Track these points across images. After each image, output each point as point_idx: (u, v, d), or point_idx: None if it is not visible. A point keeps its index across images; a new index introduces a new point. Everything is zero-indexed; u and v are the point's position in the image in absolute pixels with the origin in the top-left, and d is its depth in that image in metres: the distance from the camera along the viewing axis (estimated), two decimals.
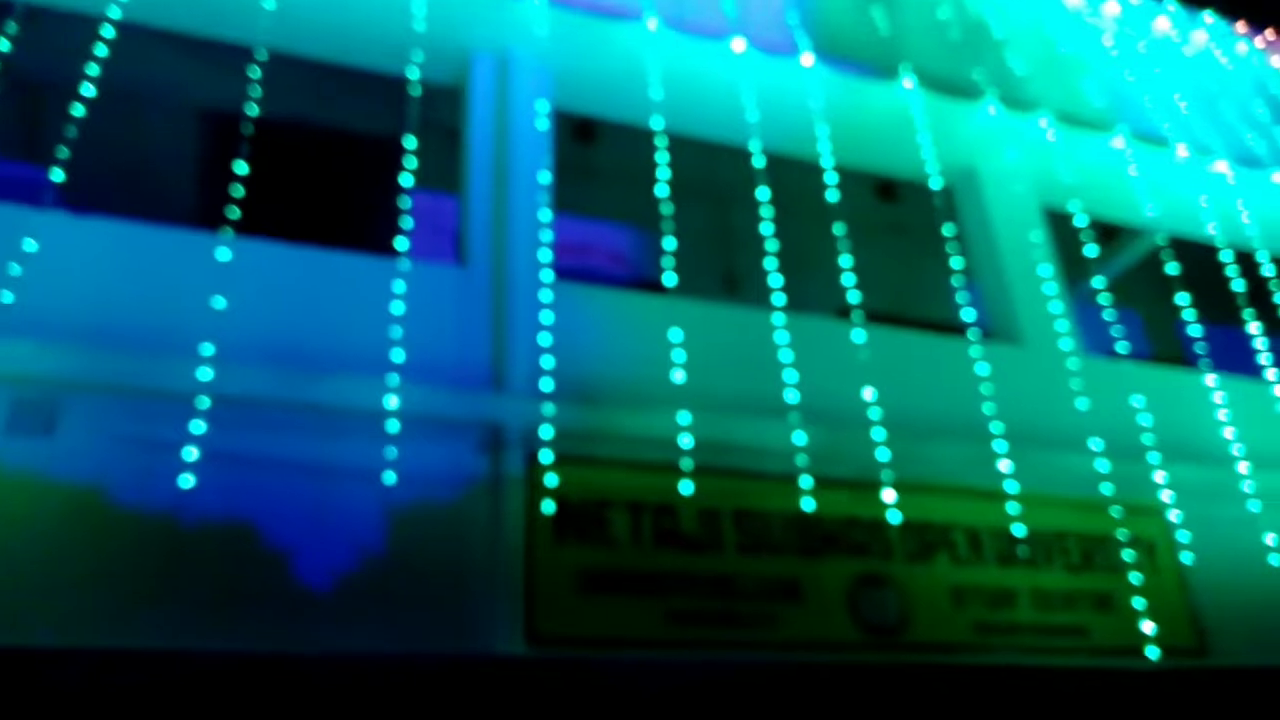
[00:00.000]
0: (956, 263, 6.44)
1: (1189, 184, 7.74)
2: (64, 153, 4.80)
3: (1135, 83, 8.25)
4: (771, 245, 5.82)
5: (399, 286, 5.03)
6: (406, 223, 5.19)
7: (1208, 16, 9.41)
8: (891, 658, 5.17)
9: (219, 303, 4.62)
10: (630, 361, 5.34)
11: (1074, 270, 7.26)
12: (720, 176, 7.43)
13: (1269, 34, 9.73)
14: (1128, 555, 5.86)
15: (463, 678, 4.39)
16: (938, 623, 5.34)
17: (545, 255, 5.48)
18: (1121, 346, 6.53)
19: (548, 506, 4.81)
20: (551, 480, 4.83)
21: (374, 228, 5.82)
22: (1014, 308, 6.70)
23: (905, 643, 5.23)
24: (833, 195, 6.22)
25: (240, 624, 4.23)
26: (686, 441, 5.04)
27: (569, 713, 4.49)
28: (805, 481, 5.20)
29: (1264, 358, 7.04)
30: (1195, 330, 6.82)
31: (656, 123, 6.04)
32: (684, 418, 5.08)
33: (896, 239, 8.57)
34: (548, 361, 5.09)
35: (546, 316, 5.24)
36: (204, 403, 4.36)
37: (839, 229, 6.00)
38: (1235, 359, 7.14)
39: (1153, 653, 5.61)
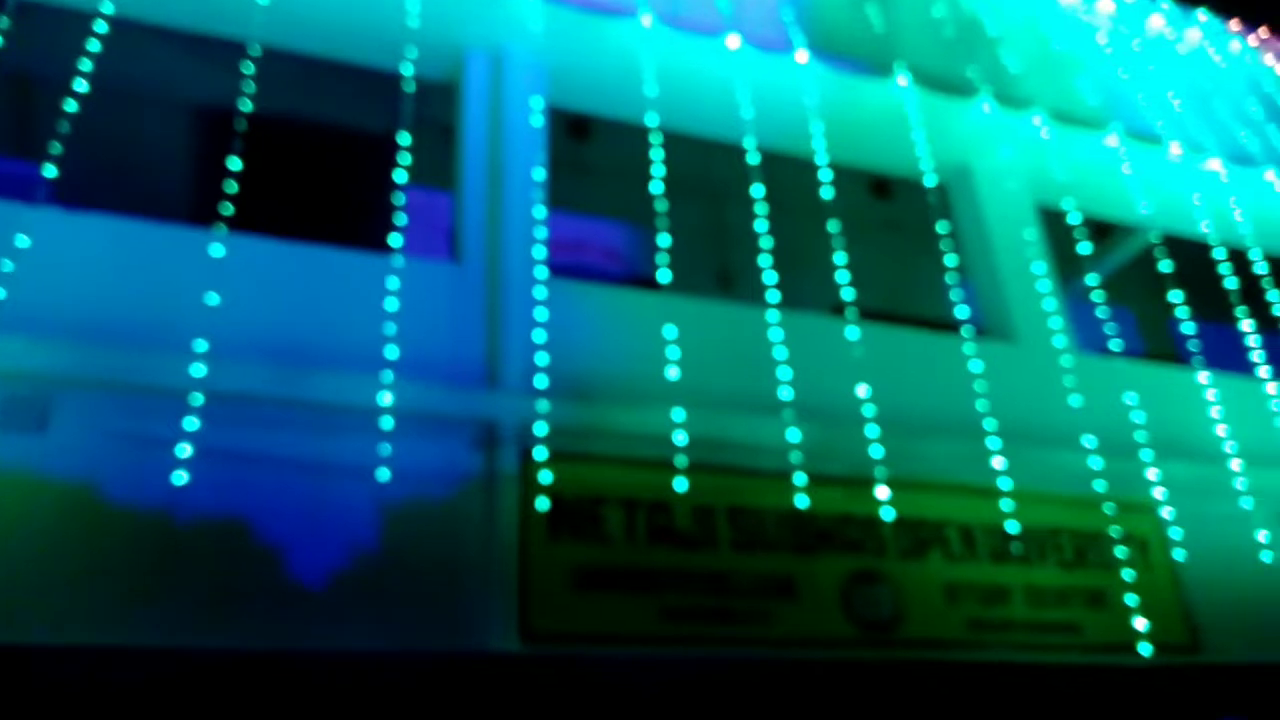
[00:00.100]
0: (950, 260, 6.45)
1: (1182, 182, 7.76)
2: (57, 148, 4.79)
3: (1129, 80, 8.26)
4: (766, 242, 5.83)
5: (393, 283, 5.03)
6: (401, 219, 5.19)
7: (1201, 15, 9.44)
8: (885, 654, 5.18)
9: (213, 299, 4.61)
10: (625, 358, 5.34)
11: (1068, 268, 7.27)
12: (715, 173, 7.43)
13: (1262, 32, 9.76)
14: (1120, 552, 5.88)
15: (457, 674, 4.39)
16: (931, 619, 5.35)
17: (540, 252, 5.48)
18: (1115, 344, 6.55)
19: (542, 503, 4.81)
20: (546, 477, 4.83)
21: (368, 224, 5.81)
22: (1008, 305, 6.71)
23: (899, 639, 5.24)
24: (827, 192, 6.23)
25: (234, 621, 4.23)
26: (681, 438, 5.05)
27: (564, 709, 4.50)
28: (799, 478, 5.21)
29: (1256, 355, 7.06)
30: (1188, 328, 6.84)
31: (651, 119, 6.03)
32: (678, 415, 5.08)
33: (891, 236, 8.58)
34: (542, 358, 5.09)
35: (541, 313, 5.24)
36: (198, 399, 4.35)
37: (833, 226, 6.01)
38: (1228, 357, 7.16)
39: (1145, 649, 5.63)
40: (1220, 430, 6.57)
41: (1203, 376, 6.77)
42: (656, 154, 5.91)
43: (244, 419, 4.50)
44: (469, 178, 5.69)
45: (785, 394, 5.43)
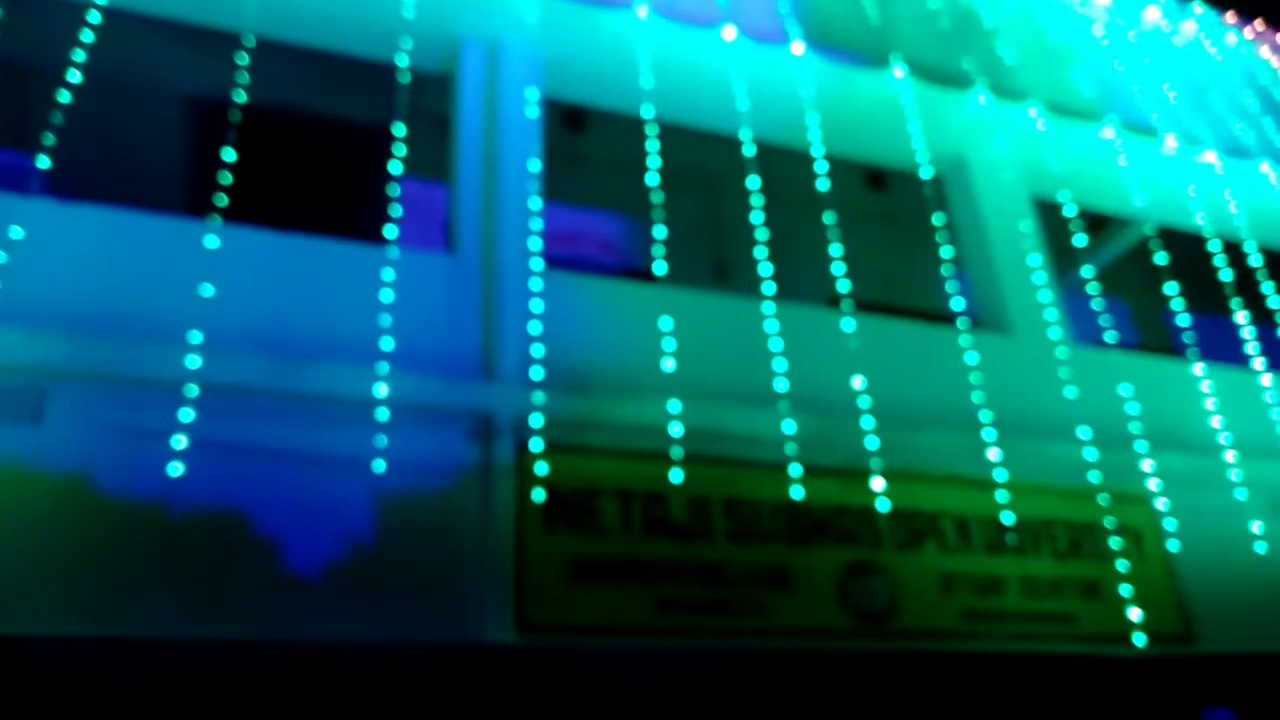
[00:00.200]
0: (946, 252, 6.46)
1: (1178, 174, 7.76)
2: (50, 139, 4.78)
3: (1125, 73, 8.26)
4: (761, 234, 5.83)
5: (388, 275, 5.02)
6: (396, 211, 5.17)
7: (1197, 7, 9.44)
8: (880, 645, 5.19)
9: (207, 290, 4.60)
10: (620, 350, 5.34)
11: (1063, 260, 7.28)
12: (710, 165, 7.42)
13: (1258, 24, 9.76)
14: (1115, 543, 5.89)
15: (453, 666, 4.40)
16: (926, 610, 5.36)
17: (535, 244, 5.47)
18: (1110, 336, 6.57)
19: (538, 495, 4.82)
20: (541, 469, 4.84)
21: (363, 216, 5.80)
22: (1003, 297, 6.72)
23: (894, 630, 5.25)
24: (823, 184, 6.22)
25: (230, 612, 4.23)
26: (676, 430, 5.05)
27: (559, 701, 4.51)
28: (795, 470, 5.22)
29: (1251, 347, 7.07)
30: (1183, 320, 6.84)
31: (647, 111, 6.02)
32: (674, 406, 5.09)
33: (886, 228, 8.57)
34: (538, 350, 5.09)
35: (536, 305, 5.23)
36: (193, 391, 4.34)
37: (829, 218, 6.01)
38: (1223, 348, 7.17)
39: (1139, 639, 5.65)
40: (1215, 422, 6.58)
41: (1198, 368, 6.78)
42: (652, 146, 5.90)
43: (239, 410, 4.49)
44: (464, 169, 5.68)
45: (781, 385, 5.43)
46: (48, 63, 5.25)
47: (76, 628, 3.99)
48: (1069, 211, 7.00)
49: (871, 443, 5.44)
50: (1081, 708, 5.46)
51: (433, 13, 5.94)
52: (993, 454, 5.71)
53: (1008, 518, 5.64)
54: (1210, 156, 7.84)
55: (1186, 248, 7.48)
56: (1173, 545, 6.03)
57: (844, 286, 5.89)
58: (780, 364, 5.50)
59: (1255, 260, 7.49)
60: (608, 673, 4.63)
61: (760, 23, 6.73)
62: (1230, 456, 6.38)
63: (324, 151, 7.31)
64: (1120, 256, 8.46)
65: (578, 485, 4.96)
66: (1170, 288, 6.92)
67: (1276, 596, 6.16)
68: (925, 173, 6.74)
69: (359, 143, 6.52)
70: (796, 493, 5.20)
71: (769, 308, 5.67)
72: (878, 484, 5.36)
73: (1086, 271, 6.79)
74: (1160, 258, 7.06)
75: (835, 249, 5.97)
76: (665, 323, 5.35)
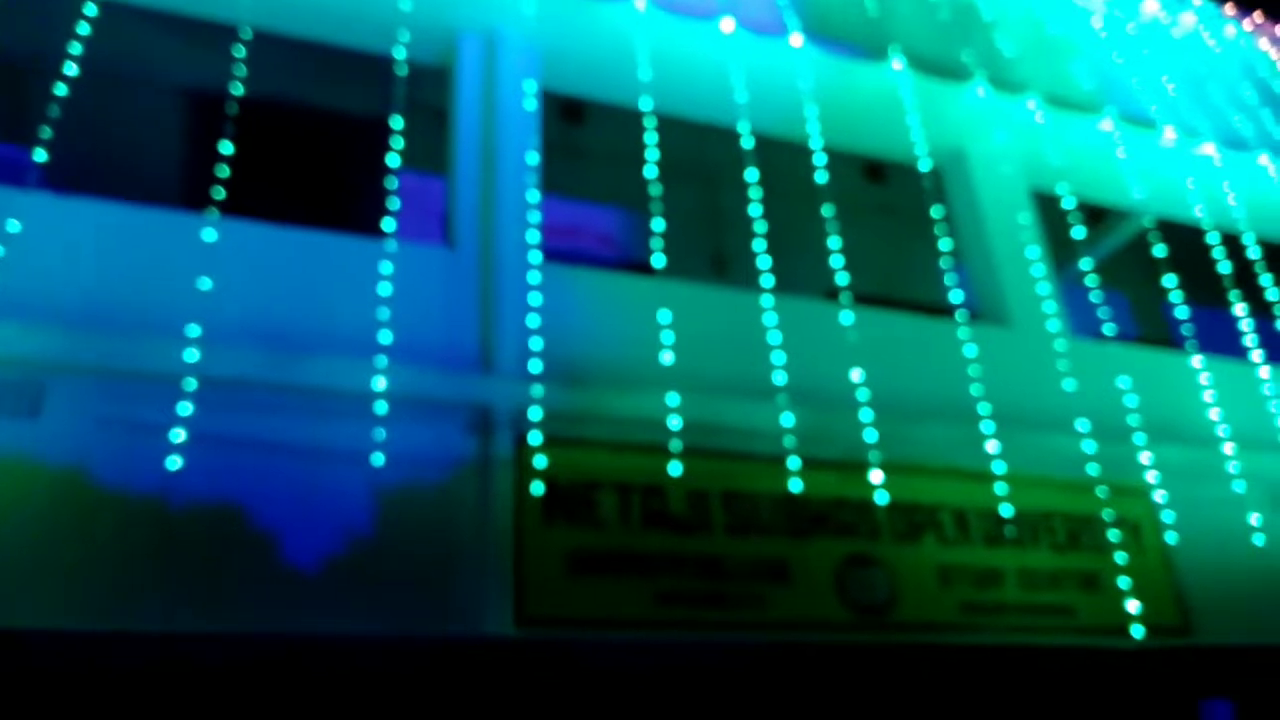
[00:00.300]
0: (945, 244, 6.45)
1: (1176, 166, 7.76)
2: (47, 133, 4.76)
3: (1124, 65, 8.26)
4: (760, 226, 5.82)
5: (386, 268, 5.01)
6: (394, 204, 5.16)
7: None
8: (879, 637, 5.19)
9: (205, 284, 4.59)
10: (619, 343, 5.34)
11: (1062, 252, 7.28)
12: (709, 157, 7.41)
13: (1257, 16, 9.75)
14: (1113, 535, 5.90)
15: (452, 659, 4.39)
16: (925, 602, 5.37)
17: (533, 236, 5.46)
18: (1108, 328, 6.57)
19: (536, 488, 4.81)
20: (540, 462, 4.83)
21: (361, 209, 5.79)
22: (1002, 289, 6.71)
23: (893, 622, 5.25)
24: (821, 176, 6.22)
25: (228, 606, 4.22)
26: (675, 423, 5.05)
27: (558, 694, 4.51)
28: (793, 462, 5.22)
29: (1250, 339, 7.08)
30: (1182, 312, 6.85)
31: (645, 103, 6.01)
32: (672, 399, 5.08)
33: (885, 221, 8.56)
34: (536, 343, 5.08)
35: (535, 298, 5.23)
36: (191, 384, 4.34)
37: (827, 210, 6.00)
38: (1221, 341, 7.18)
39: (1137, 631, 5.66)
40: (1213, 414, 6.59)
41: (1196, 361, 6.78)
42: (650, 138, 5.89)
43: (237, 404, 4.49)
44: (462, 162, 5.67)
45: (779, 378, 5.43)
46: (44, 56, 5.22)
47: (75, 621, 3.99)
48: (1068, 204, 6.99)
49: (870, 435, 5.44)
50: (1080, 700, 5.46)
51: (430, 5, 5.92)
52: (991, 446, 5.71)
53: (1006, 510, 5.64)
54: (1209, 149, 7.84)
55: (1185, 240, 7.48)
56: (1171, 537, 6.04)
57: (843, 279, 5.89)
58: (779, 357, 5.50)
59: (1254, 252, 7.49)
60: (607, 665, 4.63)
61: (758, 14, 6.72)
62: (1229, 449, 6.39)
63: (321, 144, 7.29)
64: (1119, 249, 8.45)
65: (576, 478, 4.96)
66: (1169, 280, 6.92)
67: (1274, 588, 6.17)
68: (924, 165, 6.73)
69: (356, 135, 6.51)
70: (795, 485, 5.20)
71: (767, 300, 5.66)
72: (876, 476, 5.36)
73: (1085, 264, 6.79)
74: (1159, 250, 7.07)
75: (834, 241, 5.96)
76: (664, 315, 5.34)
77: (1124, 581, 5.78)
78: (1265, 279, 7.40)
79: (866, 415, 5.47)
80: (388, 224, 5.12)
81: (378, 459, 4.53)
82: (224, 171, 4.93)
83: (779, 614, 5.05)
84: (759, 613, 5.01)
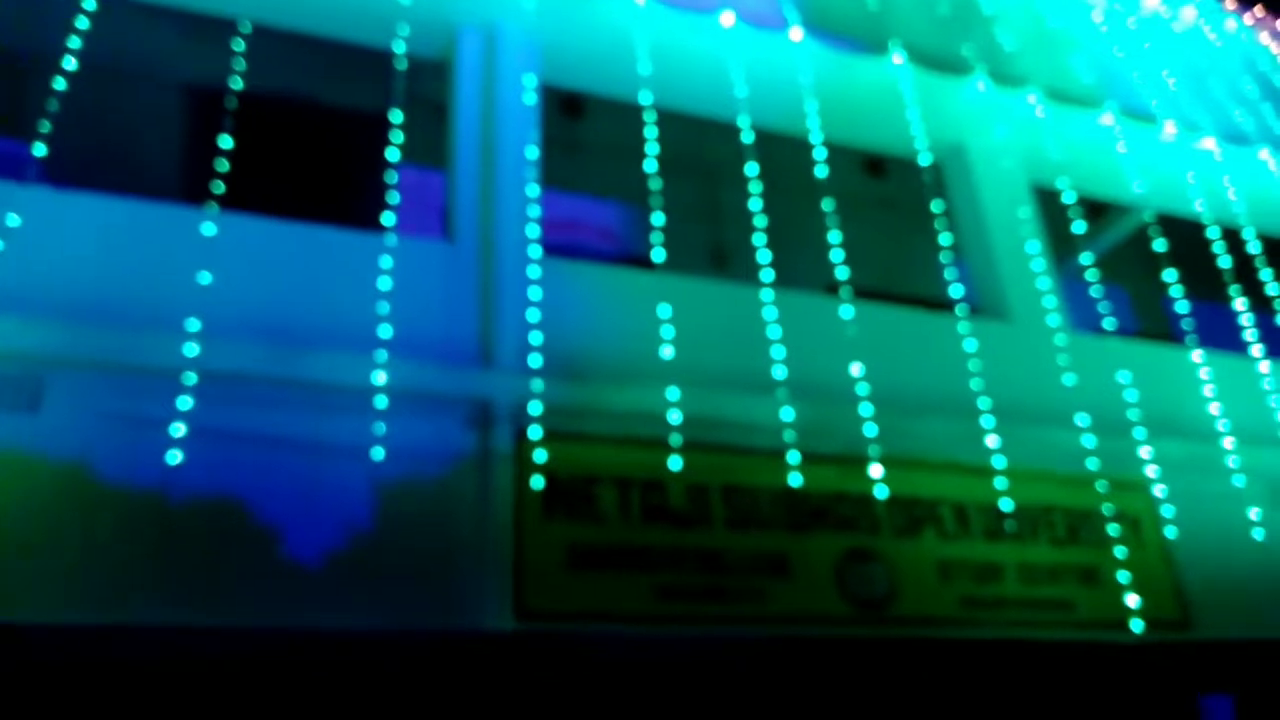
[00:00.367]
0: (945, 239, 6.45)
1: (1177, 161, 7.75)
2: (46, 127, 4.75)
3: (1124, 59, 8.24)
4: (760, 221, 5.82)
5: (386, 262, 5.01)
6: (393, 198, 5.16)
7: None
8: (879, 632, 5.20)
9: (205, 278, 4.59)
10: (619, 337, 5.33)
11: (1062, 247, 7.27)
12: (709, 152, 7.41)
13: (1258, 10, 9.73)
14: (1113, 530, 5.90)
15: (452, 653, 4.40)
16: (925, 597, 5.37)
17: (533, 230, 5.46)
18: (1109, 323, 6.57)
19: (536, 482, 4.81)
20: (540, 456, 4.83)
21: (361, 203, 5.78)
22: (1002, 284, 6.71)
23: (892, 617, 5.26)
24: (821, 171, 6.21)
25: (229, 600, 4.23)
26: (675, 417, 5.05)
27: (558, 688, 4.51)
28: (793, 457, 5.21)
29: (1250, 334, 7.07)
30: (1182, 306, 6.84)
31: (645, 97, 6.00)
32: (672, 393, 5.08)
33: (885, 215, 8.56)
34: (536, 337, 5.08)
35: (534, 292, 5.22)
36: (191, 378, 4.33)
37: (828, 205, 6.00)
38: (1221, 335, 7.17)
39: (1137, 626, 5.66)
40: (1213, 409, 6.58)
41: (1196, 355, 6.78)
42: (650, 132, 5.88)
43: (237, 398, 4.49)
44: (462, 156, 5.67)
45: (779, 373, 5.43)
46: (44, 50, 5.21)
47: (75, 615, 3.99)
48: (1068, 198, 6.99)
49: (870, 430, 5.44)
50: (1079, 694, 5.47)
51: None
52: (991, 441, 5.71)
53: (1006, 504, 5.64)
54: (1209, 143, 7.83)
55: (1185, 234, 7.47)
56: (1171, 532, 6.04)
57: (842, 273, 5.89)
58: (779, 351, 5.50)
59: (1254, 247, 7.48)
60: (606, 660, 4.64)
61: (758, 8, 6.71)
62: (1228, 443, 6.39)
63: (321, 139, 7.28)
64: (1119, 243, 8.44)
65: (576, 472, 4.96)
66: (1169, 274, 6.92)
67: (1274, 583, 6.18)
68: (924, 159, 6.72)
69: (356, 130, 6.50)
70: (795, 480, 5.20)
71: (767, 295, 5.66)
72: (876, 471, 5.36)
73: (1085, 258, 6.80)
74: (1159, 244, 7.06)
75: (834, 236, 5.96)
76: (664, 310, 5.34)
77: (1124, 576, 5.78)
78: (1265, 274, 7.39)
79: (866, 410, 5.47)
80: (387, 218, 5.12)
81: (378, 453, 4.53)
82: (224, 166, 4.92)
83: (779, 608, 5.05)
84: (759, 607, 5.02)
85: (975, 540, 5.63)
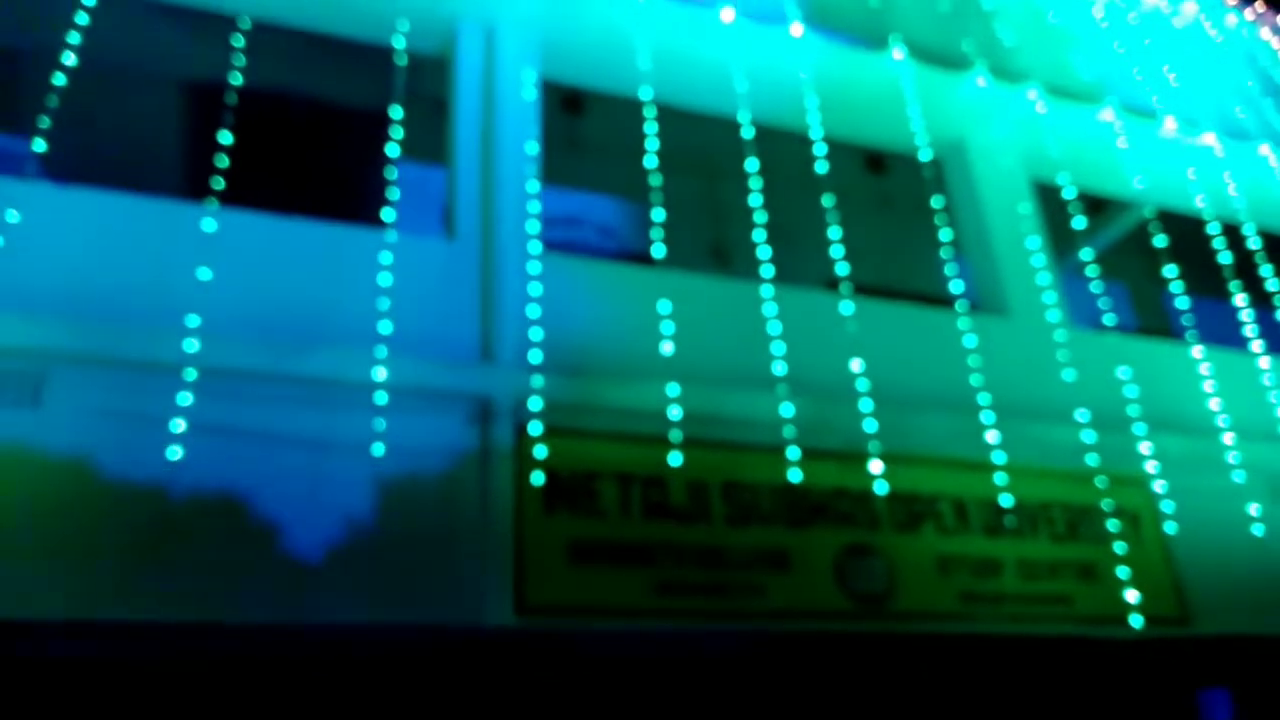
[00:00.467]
0: (945, 235, 6.44)
1: (1177, 157, 7.74)
2: (46, 123, 4.75)
3: (1125, 54, 8.23)
4: (760, 217, 5.81)
5: (386, 258, 5.01)
6: (393, 194, 5.16)
7: None
8: (878, 627, 5.21)
9: (205, 274, 4.59)
10: (619, 334, 5.34)
11: (1062, 243, 7.27)
12: (709, 148, 7.40)
13: (1258, 6, 9.72)
14: (1112, 525, 5.91)
15: (452, 648, 4.41)
16: (924, 592, 5.38)
17: (534, 227, 5.46)
18: (1108, 319, 6.56)
19: (537, 478, 4.82)
20: (541, 452, 4.84)
21: (361, 199, 5.79)
22: (1002, 280, 6.71)
23: (892, 612, 5.26)
24: (821, 167, 6.20)
25: (230, 595, 4.23)
26: (675, 413, 5.05)
27: (559, 682, 4.53)
28: (793, 453, 5.22)
29: (1250, 330, 7.07)
30: (1182, 302, 6.84)
31: (645, 93, 6.00)
32: (673, 390, 5.09)
33: (885, 211, 8.56)
34: (536, 333, 5.08)
35: (535, 288, 5.23)
36: (191, 374, 4.34)
37: (828, 201, 5.99)
38: (1221, 331, 7.17)
39: (1136, 621, 5.67)
40: (1213, 405, 6.59)
41: (1196, 351, 6.78)
42: (650, 128, 5.88)
43: (237, 394, 4.49)
44: (462, 152, 5.66)
45: (779, 369, 5.43)
46: (44, 46, 5.21)
47: (75, 611, 4.00)
48: (1068, 194, 6.98)
49: (870, 425, 5.44)
50: (1078, 689, 5.49)
51: None
52: (991, 436, 5.71)
53: (1006, 500, 5.65)
54: (1210, 139, 7.83)
55: (1185, 230, 7.47)
56: (1170, 527, 6.04)
57: (842, 269, 5.88)
58: (778, 347, 5.50)
59: (1254, 243, 7.48)
60: (607, 655, 4.65)
61: (759, 4, 6.70)
62: (1228, 439, 6.39)
63: (321, 135, 7.28)
64: (1119, 239, 8.45)
65: (577, 468, 4.97)
66: (1169, 270, 6.92)
67: (1273, 579, 6.19)
68: (924, 155, 6.72)
69: (356, 126, 6.50)
70: (795, 475, 5.21)
71: (767, 291, 5.66)
72: (876, 466, 5.36)
73: (1085, 254, 6.78)
74: (1159, 240, 7.05)
75: (834, 232, 5.95)
76: (664, 306, 5.34)
77: (1123, 571, 5.79)
78: (1266, 270, 7.39)
79: (866, 405, 5.47)
80: (388, 215, 5.12)
81: (378, 449, 4.53)
82: (224, 162, 4.92)
83: (778, 603, 5.06)
84: (759, 602, 5.02)
85: (975, 536, 5.64)
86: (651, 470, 5.06)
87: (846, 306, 5.82)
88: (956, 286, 6.24)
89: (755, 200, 5.85)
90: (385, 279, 4.95)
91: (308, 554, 4.39)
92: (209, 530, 4.31)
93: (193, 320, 4.43)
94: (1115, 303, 6.83)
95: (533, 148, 5.75)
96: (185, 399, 4.30)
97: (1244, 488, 6.26)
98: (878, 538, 5.41)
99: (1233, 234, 7.46)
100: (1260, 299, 7.33)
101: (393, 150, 5.31)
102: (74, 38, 5.12)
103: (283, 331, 4.67)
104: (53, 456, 4.19)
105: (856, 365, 5.57)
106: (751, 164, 5.93)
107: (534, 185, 5.61)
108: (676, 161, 6.22)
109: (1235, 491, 6.25)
